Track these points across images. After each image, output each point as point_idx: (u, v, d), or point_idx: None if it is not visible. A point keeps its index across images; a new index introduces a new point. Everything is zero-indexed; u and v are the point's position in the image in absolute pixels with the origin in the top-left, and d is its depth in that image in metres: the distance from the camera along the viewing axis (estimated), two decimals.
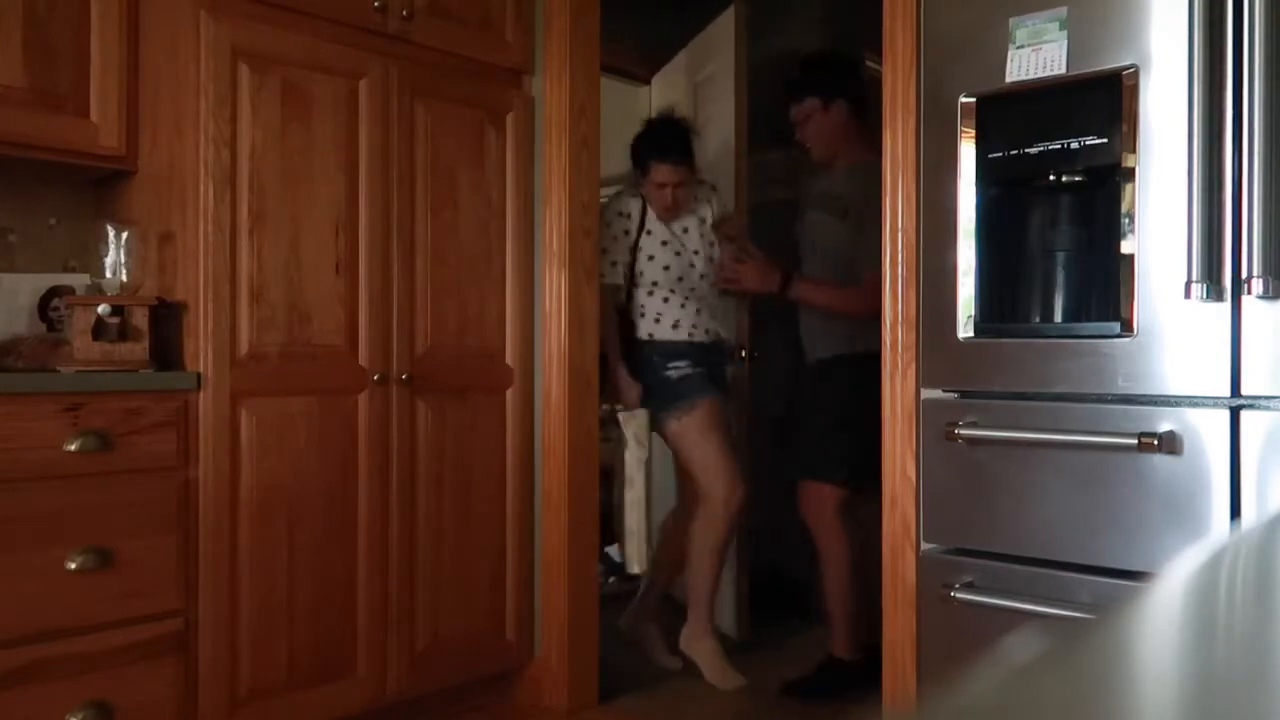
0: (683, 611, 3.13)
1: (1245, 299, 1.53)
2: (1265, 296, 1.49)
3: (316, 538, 2.31)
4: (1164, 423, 1.59)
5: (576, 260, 2.78)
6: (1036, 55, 1.73)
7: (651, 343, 3.07)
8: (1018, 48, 1.75)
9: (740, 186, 3.45)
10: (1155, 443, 1.58)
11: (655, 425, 3.08)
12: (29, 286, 2.29)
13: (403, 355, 2.47)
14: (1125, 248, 1.65)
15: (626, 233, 3.09)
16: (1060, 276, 1.81)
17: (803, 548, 3.12)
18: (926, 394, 1.90)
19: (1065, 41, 1.70)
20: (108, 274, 2.14)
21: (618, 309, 3.09)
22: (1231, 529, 1.53)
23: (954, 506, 1.84)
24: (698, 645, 3.03)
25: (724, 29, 3.57)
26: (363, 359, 2.40)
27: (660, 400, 3.05)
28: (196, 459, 2.13)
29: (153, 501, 2.06)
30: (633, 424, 3.04)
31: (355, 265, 2.38)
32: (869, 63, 3.74)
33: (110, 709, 1.97)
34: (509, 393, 2.73)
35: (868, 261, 2.55)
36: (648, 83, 4.31)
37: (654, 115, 3.30)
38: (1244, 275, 1.51)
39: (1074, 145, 1.69)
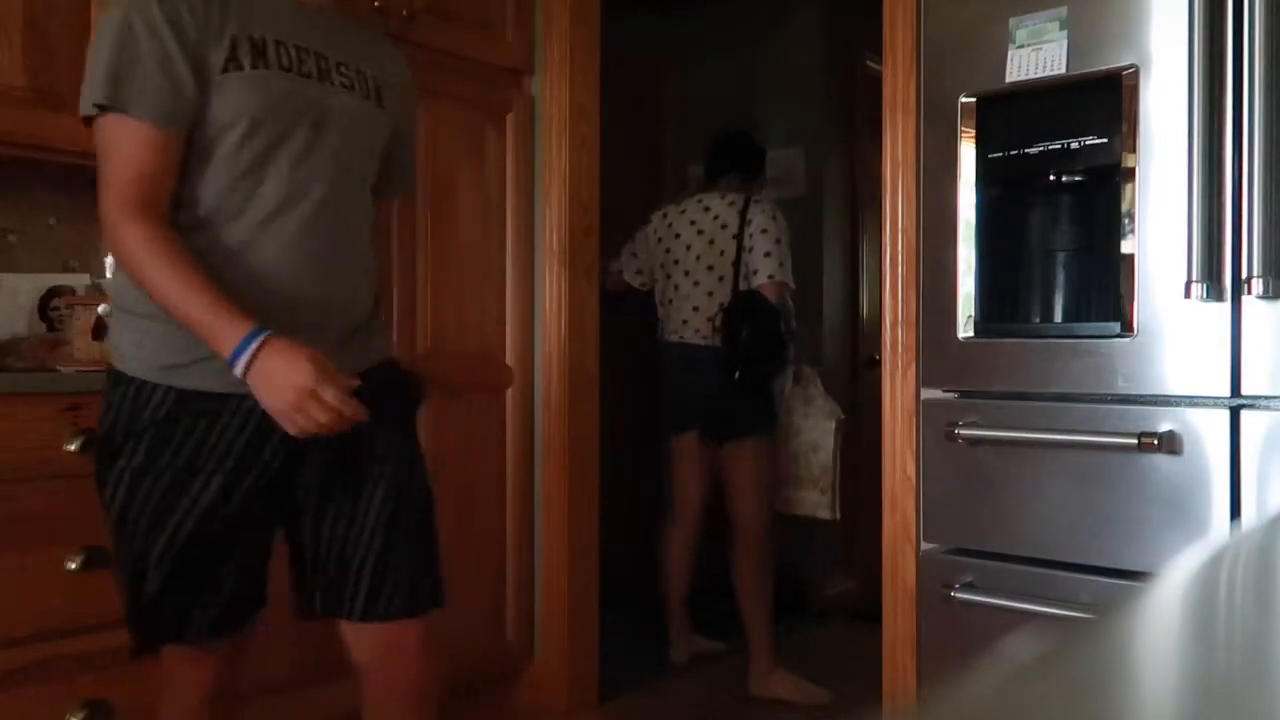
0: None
1: (1245, 299, 1.53)
2: (1265, 296, 1.49)
3: None
4: (1164, 422, 1.59)
5: (576, 260, 2.77)
6: (1036, 55, 1.73)
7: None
8: (1018, 48, 1.75)
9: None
10: (1155, 442, 1.58)
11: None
12: (29, 286, 2.29)
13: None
14: (1125, 248, 1.65)
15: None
16: (1060, 276, 1.81)
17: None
18: (926, 394, 1.90)
19: (1065, 41, 1.70)
20: (108, 274, 2.14)
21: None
22: (1231, 529, 1.53)
23: (954, 506, 1.84)
24: (771, 682, 2.94)
25: None
26: None
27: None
28: None
29: None
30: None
31: None
32: (869, 63, 3.75)
33: (110, 709, 1.96)
34: (509, 393, 2.73)
35: None
36: None
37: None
38: (1244, 275, 1.51)
39: (1074, 145, 1.69)
